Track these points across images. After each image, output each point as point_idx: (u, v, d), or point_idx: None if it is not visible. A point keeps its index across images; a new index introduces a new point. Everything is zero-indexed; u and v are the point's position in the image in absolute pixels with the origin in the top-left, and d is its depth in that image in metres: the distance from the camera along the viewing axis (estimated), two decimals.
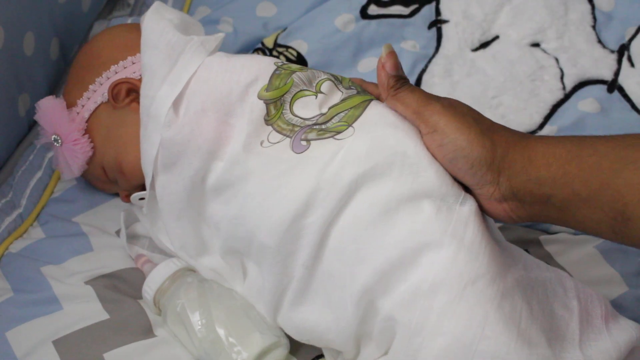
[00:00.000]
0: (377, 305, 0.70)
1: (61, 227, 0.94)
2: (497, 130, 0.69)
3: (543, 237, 0.91)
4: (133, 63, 0.92)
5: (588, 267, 0.87)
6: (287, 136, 0.76)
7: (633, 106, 1.06)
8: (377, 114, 0.75)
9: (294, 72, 0.79)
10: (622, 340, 0.69)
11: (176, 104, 0.79)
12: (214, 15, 1.17)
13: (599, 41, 1.10)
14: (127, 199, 0.93)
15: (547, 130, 1.04)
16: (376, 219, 0.70)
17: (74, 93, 0.93)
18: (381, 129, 0.73)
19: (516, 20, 1.12)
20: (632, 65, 1.08)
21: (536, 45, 1.11)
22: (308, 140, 0.75)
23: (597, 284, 0.84)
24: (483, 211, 0.71)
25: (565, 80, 1.07)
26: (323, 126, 0.76)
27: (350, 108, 0.76)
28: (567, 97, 1.07)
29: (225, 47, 0.89)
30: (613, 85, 1.07)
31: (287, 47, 1.12)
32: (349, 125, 0.74)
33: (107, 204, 0.96)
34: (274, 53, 1.12)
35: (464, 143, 0.68)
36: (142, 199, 0.89)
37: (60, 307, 0.83)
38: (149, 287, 0.83)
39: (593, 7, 1.12)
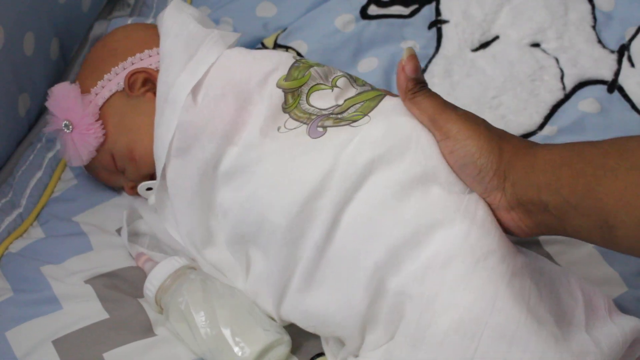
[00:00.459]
0: (388, 284, 0.71)
1: (61, 226, 0.93)
2: (508, 139, 0.71)
3: (543, 237, 0.91)
4: (150, 56, 0.93)
5: (588, 267, 0.87)
6: (304, 123, 0.78)
7: (633, 106, 1.06)
8: (392, 104, 0.77)
9: (311, 66, 0.82)
10: (628, 327, 0.70)
11: (195, 91, 0.81)
12: (214, 15, 1.17)
13: (599, 41, 1.10)
14: (132, 191, 0.93)
15: (547, 131, 1.04)
16: (390, 199, 0.71)
17: (88, 82, 0.93)
18: (396, 117, 0.75)
19: (516, 20, 1.12)
20: (632, 65, 1.08)
21: (536, 45, 1.11)
22: (324, 127, 0.77)
23: (596, 284, 0.84)
24: None
25: (565, 80, 1.07)
26: (339, 115, 0.77)
27: (366, 100, 0.78)
28: (567, 97, 1.07)
29: None
30: (613, 86, 1.07)
31: (287, 48, 1.12)
32: (365, 114, 0.76)
33: (107, 204, 0.96)
34: None
35: (473, 149, 0.69)
36: (149, 189, 0.90)
37: (60, 307, 0.83)
38: (151, 285, 0.82)
39: (593, 7, 1.12)
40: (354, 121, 0.76)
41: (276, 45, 1.13)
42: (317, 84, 0.81)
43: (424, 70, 1.10)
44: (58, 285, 0.86)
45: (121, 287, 0.86)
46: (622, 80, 1.07)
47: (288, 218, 0.74)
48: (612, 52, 1.09)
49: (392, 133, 0.74)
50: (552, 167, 0.66)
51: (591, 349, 0.67)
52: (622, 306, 0.83)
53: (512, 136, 0.71)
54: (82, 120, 0.91)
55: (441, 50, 1.11)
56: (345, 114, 0.78)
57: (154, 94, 0.88)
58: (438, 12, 1.14)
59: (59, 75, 1.11)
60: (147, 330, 0.82)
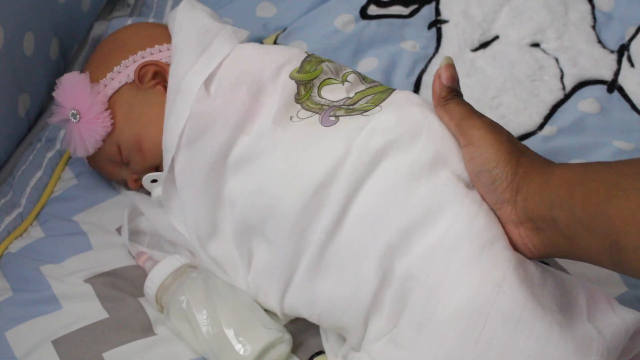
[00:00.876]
0: (396, 268, 0.71)
1: (61, 226, 0.93)
2: (527, 154, 0.71)
3: None
4: (160, 51, 0.93)
5: (587, 267, 0.86)
6: (316, 113, 0.79)
7: (633, 106, 1.06)
8: (402, 96, 0.79)
9: (322, 61, 0.84)
10: (629, 318, 0.70)
11: (207, 82, 0.82)
12: None
13: (599, 41, 1.10)
14: (135, 184, 0.93)
15: (546, 131, 1.04)
16: (401, 183, 0.72)
17: (97, 73, 0.93)
18: (407, 106, 0.77)
19: (516, 20, 1.12)
20: (632, 65, 1.08)
21: (536, 45, 1.11)
22: (336, 116, 0.78)
23: (596, 284, 0.84)
24: None
25: (565, 80, 1.07)
26: (350, 107, 0.79)
27: (377, 93, 0.80)
28: (567, 97, 1.07)
29: None
30: (613, 86, 1.07)
31: None
32: (376, 105, 0.78)
33: (107, 203, 0.96)
34: None
35: (491, 157, 0.70)
36: (153, 181, 0.90)
37: (60, 307, 0.83)
38: (152, 283, 0.82)
39: (593, 7, 1.12)
40: (366, 111, 0.78)
41: None
42: (328, 78, 0.83)
43: (424, 70, 1.10)
44: (58, 284, 0.86)
45: (121, 286, 0.86)
46: (622, 80, 1.07)
47: (300, 205, 0.74)
48: (612, 52, 1.09)
49: (403, 121, 0.75)
50: (567, 184, 0.66)
51: (594, 336, 0.67)
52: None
53: (533, 153, 0.71)
54: (91, 109, 0.91)
55: (441, 50, 1.11)
56: (356, 105, 0.79)
57: (164, 87, 0.90)
58: (438, 12, 1.14)
59: (59, 75, 1.10)
60: (147, 329, 0.82)
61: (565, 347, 0.65)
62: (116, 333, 0.81)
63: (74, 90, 0.92)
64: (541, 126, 1.04)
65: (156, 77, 0.92)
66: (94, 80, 0.93)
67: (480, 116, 0.73)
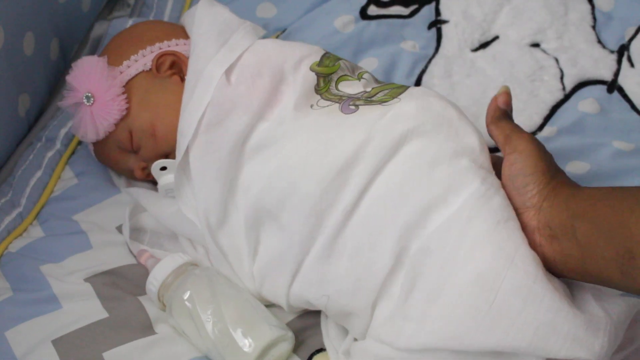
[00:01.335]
0: (411, 247, 0.73)
1: (61, 225, 0.93)
2: (561, 175, 0.74)
3: None
4: (177, 45, 0.94)
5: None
6: (336, 102, 0.82)
7: (633, 106, 1.06)
8: (419, 89, 0.82)
9: (340, 59, 0.88)
10: (631, 301, 0.71)
11: (228, 72, 0.84)
12: None
13: (599, 41, 1.10)
14: (142, 172, 0.93)
15: (546, 131, 1.04)
16: (423, 166, 0.74)
17: (113, 60, 0.93)
18: (427, 98, 0.79)
19: (516, 20, 1.12)
20: (632, 65, 1.08)
21: (536, 45, 1.11)
22: (356, 105, 0.80)
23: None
24: None
25: (565, 80, 1.07)
26: (369, 99, 0.81)
27: (393, 88, 0.83)
28: (566, 97, 1.07)
29: None
30: (613, 86, 1.07)
31: None
32: (394, 97, 0.80)
33: (106, 202, 0.96)
34: None
35: (530, 165, 0.72)
36: (162, 168, 0.90)
37: (60, 306, 0.83)
38: (155, 280, 0.83)
39: (593, 7, 1.12)
40: (385, 102, 0.79)
41: None
42: (345, 74, 0.86)
43: (424, 70, 1.10)
44: (57, 284, 0.86)
45: (121, 284, 0.86)
46: (622, 81, 1.07)
47: (321, 186, 0.75)
48: (612, 52, 1.09)
49: (424, 110, 0.77)
50: (592, 199, 0.68)
51: (602, 314, 0.68)
52: None
53: (566, 175, 0.74)
54: (107, 92, 0.91)
55: (441, 50, 1.11)
56: (374, 98, 0.81)
57: (181, 78, 0.91)
58: (438, 12, 1.14)
59: (59, 75, 1.11)
60: (147, 328, 0.82)
61: (575, 319, 0.66)
62: (116, 332, 0.81)
63: (91, 73, 0.92)
64: (541, 127, 1.04)
65: (173, 67, 0.93)
66: (111, 65, 0.93)
67: (529, 133, 0.76)
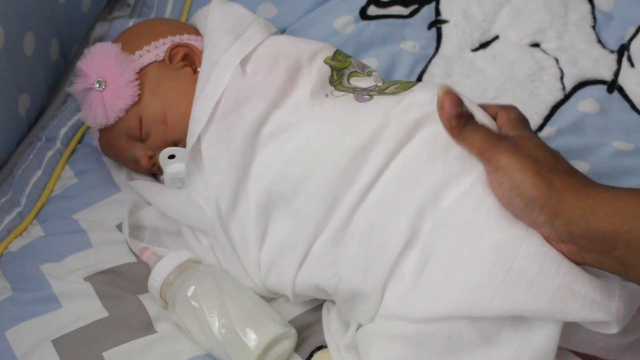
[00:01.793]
0: (424, 226, 0.73)
1: (60, 224, 0.93)
2: (559, 174, 0.68)
3: None
4: (189, 40, 0.95)
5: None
6: (350, 92, 0.83)
7: (633, 106, 1.06)
8: (430, 82, 0.84)
9: (350, 57, 0.90)
10: (636, 287, 0.70)
11: (242, 64, 0.85)
12: None
13: (599, 41, 1.10)
14: (148, 161, 0.93)
15: (546, 132, 1.04)
16: (438, 148, 0.74)
17: (126, 49, 0.93)
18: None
19: (516, 20, 1.12)
20: (632, 65, 1.08)
21: (536, 45, 1.11)
22: (370, 95, 0.82)
23: None
24: None
25: (565, 80, 1.07)
26: (382, 91, 0.82)
27: (404, 82, 0.84)
28: (566, 97, 1.07)
29: None
30: (613, 86, 1.07)
31: None
32: (406, 90, 0.81)
33: (106, 201, 0.96)
34: None
35: (519, 182, 0.67)
36: (171, 157, 0.90)
37: (60, 306, 0.83)
38: (158, 276, 0.82)
39: (593, 7, 1.12)
40: (397, 93, 0.80)
41: None
42: (356, 71, 0.89)
43: (424, 70, 1.10)
44: (57, 283, 0.86)
45: (120, 283, 0.86)
46: (622, 81, 1.07)
47: (339, 169, 0.76)
48: (612, 52, 1.09)
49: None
50: (623, 214, 0.63)
51: (615, 282, 0.67)
52: None
53: (565, 170, 0.69)
54: (121, 77, 0.91)
55: (441, 50, 1.12)
56: (387, 91, 0.82)
57: (193, 70, 0.93)
58: (438, 12, 1.14)
59: (59, 75, 1.11)
60: (147, 327, 0.82)
61: (591, 284, 0.65)
62: (116, 332, 0.81)
63: (105, 58, 0.92)
64: (541, 127, 1.04)
65: (185, 59, 0.93)
66: (125, 52, 0.93)
67: (503, 139, 0.71)
